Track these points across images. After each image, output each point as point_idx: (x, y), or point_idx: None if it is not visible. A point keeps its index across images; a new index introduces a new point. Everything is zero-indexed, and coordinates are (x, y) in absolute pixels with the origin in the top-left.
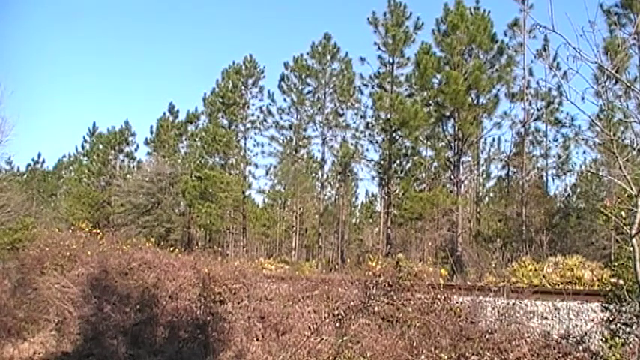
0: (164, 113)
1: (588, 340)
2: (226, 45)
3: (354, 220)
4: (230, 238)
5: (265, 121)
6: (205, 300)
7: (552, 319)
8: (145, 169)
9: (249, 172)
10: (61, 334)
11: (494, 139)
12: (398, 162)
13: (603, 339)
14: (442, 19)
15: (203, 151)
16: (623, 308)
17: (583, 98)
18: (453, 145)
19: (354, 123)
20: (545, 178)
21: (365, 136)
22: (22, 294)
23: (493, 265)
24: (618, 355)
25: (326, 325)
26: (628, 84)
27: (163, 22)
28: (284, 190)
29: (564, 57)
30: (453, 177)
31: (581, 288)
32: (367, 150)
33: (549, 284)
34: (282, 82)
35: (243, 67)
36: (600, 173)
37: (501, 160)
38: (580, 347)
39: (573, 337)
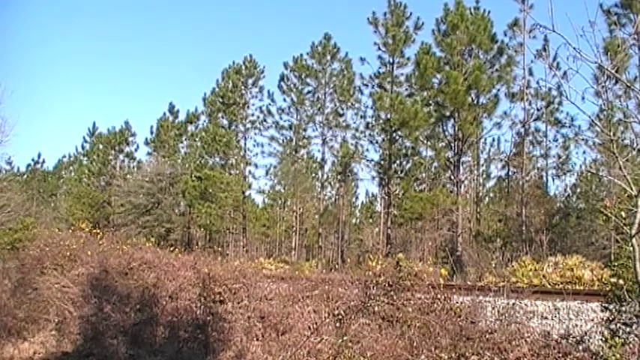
0: (164, 113)
1: (588, 340)
2: (226, 45)
3: (354, 220)
4: (230, 238)
5: (265, 121)
6: (205, 300)
7: (552, 319)
8: (145, 169)
9: (249, 172)
10: (61, 334)
11: (494, 139)
12: (398, 162)
13: (603, 339)
14: (442, 19)
15: (203, 151)
16: (623, 308)
17: (583, 98)
18: (453, 145)
19: (354, 123)
20: (545, 178)
21: (365, 136)
22: (22, 294)
23: (493, 265)
24: (618, 355)
25: (326, 325)
26: (628, 84)
27: (163, 23)
28: (284, 190)
29: (564, 57)
30: (453, 177)
31: (581, 288)
32: (367, 150)
33: (549, 284)
34: (282, 82)
35: (243, 67)
36: (600, 173)
37: (501, 160)
38: (580, 347)
39: (573, 337)
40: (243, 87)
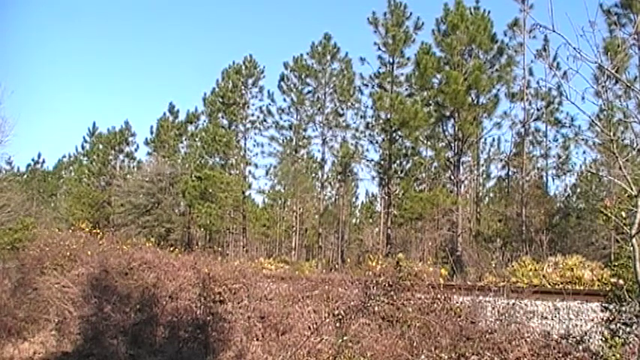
0: (164, 113)
1: (588, 340)
2: (226, 45)
3: (354, 220)
4: (230, 238)
5: (265, 121)
6: (205, 300)
7: (552, 319)
8: (145, 169)
9: (249, 172)
10: (61, 334)
11: (494, 139)
12: (398, 162)
13: (603, 339)
14: (442, 19)
15: (203, 151)
16: (623, 308)
17: (583, 98)
18: (453, 145)
19: (354, 123)
20: (545, 178)
21: (365, 136)
22: (22, 294)
23: (493, 265)
24: (618, 355)
25: (326, 325)
26: (628, 84)
27: (163, 22)
28: (284, 190)
29: (564, 57)
30: (453, 177)
31: (581, 288)
32: (367, 150)
33: (549, 284)
34: (282, 82)
35: (243, 67)
36: (600, 173)
37: (501, 160)
38: (580, 347)
39: (573, 337)
40: (243, 87)
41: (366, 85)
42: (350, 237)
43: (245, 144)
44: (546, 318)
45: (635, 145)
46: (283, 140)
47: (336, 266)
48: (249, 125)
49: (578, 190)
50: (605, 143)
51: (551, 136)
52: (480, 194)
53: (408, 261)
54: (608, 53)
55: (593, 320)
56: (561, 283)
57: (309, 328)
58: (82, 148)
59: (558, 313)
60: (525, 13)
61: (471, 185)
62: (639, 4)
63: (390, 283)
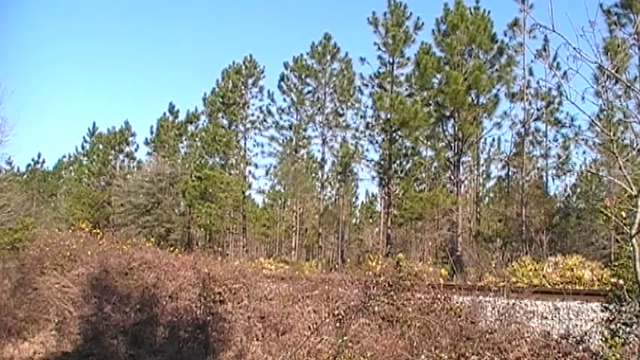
0: (164, 113)
1: (588, 340)
2: (226, 45)
3: (354, 220)
4: (230, 238)
5: (265, 121)
6: (205, 300)
7: (552, 319)
8: (145, 169)
9: (249, 172)
10: (61, 334)
11: (494, 139)
12: (398, 162)
13: (603, 339)
14: (442, 19)
15: (203, 151)
16: (623, 308)
17: (583, 98)
18: (453, 145)
19: (354, 123)
20: (545, 178)
21: (365, 136)
22: (22, 294)
23: (493, 265)
24: (618, 355)
25: (326, 325)
26: (628, 84)
27: (163, 22)
28: (284, 190)
29: (564, 57)
30: (453, 177)
31: (581, 288)
32: (367, 150)
33: (549, 284)
34: (282, 82)
35: (243, 67)
36: (600, 173)
37: (501, 160)
38: (580, 347)
39: (573, 337)
40: (243, 87)
41: (366, 85)
42: (350, 237)
43: (245, 144)
44: (546, 318)
45: (635, 145)
46: (283, 140)
47: (336, 266)
48: (249, 125)
49: (578, 190)
50: (605, 143)
51: (551, 136)
52: (480, 194)
53: (408, 261)
54: (608, 53)
55: (593, 320)
56: (561, 283)
57: (309, 328)
58: (82, 148)
59: (558, 313)
60: (525, 13)
61: (471, 185)
62: (639, 4)
63: (390, 283)
